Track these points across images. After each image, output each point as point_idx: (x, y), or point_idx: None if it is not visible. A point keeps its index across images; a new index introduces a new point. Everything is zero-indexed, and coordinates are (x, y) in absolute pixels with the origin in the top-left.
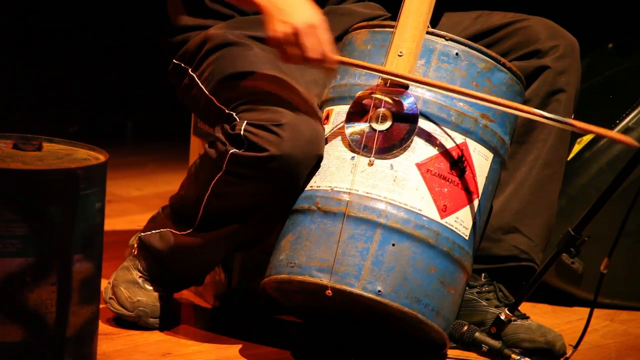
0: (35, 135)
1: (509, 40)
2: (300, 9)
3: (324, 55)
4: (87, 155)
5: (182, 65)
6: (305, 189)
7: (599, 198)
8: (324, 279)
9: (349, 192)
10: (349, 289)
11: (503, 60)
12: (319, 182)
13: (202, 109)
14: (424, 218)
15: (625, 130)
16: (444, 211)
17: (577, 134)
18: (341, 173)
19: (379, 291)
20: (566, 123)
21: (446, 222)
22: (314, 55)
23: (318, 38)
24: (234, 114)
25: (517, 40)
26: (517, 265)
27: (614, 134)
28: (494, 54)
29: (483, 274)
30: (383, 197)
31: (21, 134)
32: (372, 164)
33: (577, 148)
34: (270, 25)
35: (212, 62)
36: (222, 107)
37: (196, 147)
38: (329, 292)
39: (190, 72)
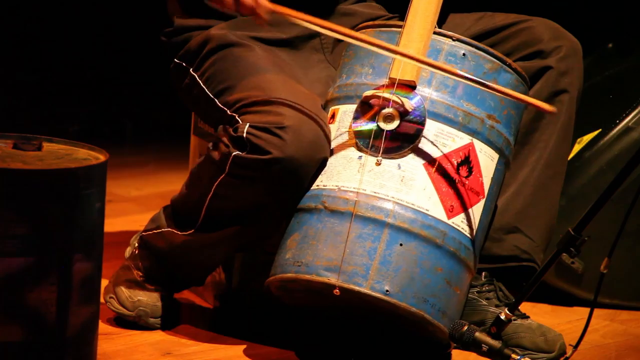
0: (35, 135)
1: (511, 41)
2: None
3: (257, 1)
4: (87, 155)
5: (184, 64)
6: (312, 187)
7: (599, 198)
8: (332, 278)
9: (357, 192)
10: (356, 288)
11: (509, 61)
12: (325, 181)
13: (203, 109)
14: (431, 218)
15: (625, 130)
16: (451, 211)
17: (578, 135)
18: (348, 172)
19: (387, 291)
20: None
21: (453, 223)
22: (246, 1)
23: None
24: (237, 115)
25: (520, 40)
26: (517, 265)
27: (531, 99)
28: (500, 55)
29: (483, 274)
30: (391, 197)
31: (21, 134)
32: (379, 164)
33: (577, 148)
34: None
35: (214, 63)
36: (225, 108)
37: (196, 147)
38: (336, 292)
39: (192, 72)
